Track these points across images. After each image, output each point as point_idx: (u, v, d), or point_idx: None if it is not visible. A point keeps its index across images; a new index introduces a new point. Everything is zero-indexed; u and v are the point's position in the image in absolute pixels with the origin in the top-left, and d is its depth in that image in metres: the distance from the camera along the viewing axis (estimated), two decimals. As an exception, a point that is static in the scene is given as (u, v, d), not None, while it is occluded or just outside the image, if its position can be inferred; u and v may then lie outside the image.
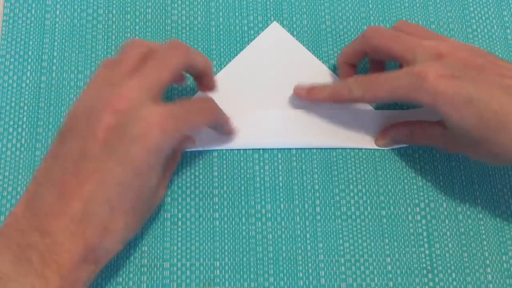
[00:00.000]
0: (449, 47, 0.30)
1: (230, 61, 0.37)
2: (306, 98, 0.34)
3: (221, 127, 0.33)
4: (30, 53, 0.36)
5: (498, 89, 0.27)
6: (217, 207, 0.34)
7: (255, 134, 0.35)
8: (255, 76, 0.36)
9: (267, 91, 0.36)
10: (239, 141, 0.35)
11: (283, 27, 0.38)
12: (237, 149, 0.35)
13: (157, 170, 0.27)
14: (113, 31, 0.37)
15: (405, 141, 0.35)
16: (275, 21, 0.37)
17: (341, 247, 0.33)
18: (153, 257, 0.33)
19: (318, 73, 0.37)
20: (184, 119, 0.28)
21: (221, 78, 0.36)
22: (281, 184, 0.34)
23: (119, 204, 0.26)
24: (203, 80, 0.32)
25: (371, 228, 0.34)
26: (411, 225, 0.34)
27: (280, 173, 0.35)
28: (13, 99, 0.35)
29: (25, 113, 0.35)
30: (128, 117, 0.26)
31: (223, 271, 0.33)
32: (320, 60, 0.37)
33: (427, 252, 0.34)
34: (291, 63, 0.37)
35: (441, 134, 0.31)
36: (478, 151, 0.29)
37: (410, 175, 0.35)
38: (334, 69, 0.37)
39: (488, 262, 0.34)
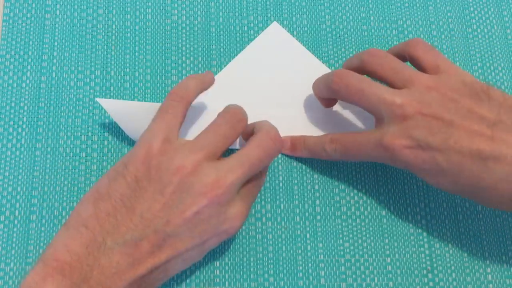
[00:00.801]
0: (414, 102, 0.28)
1: (230, 61, 0.37)
2: (290, 152, 0.35)
3: None
4: (30, 53, 0.36)
5: (468, 157, 0.26)
6: (217, 207, 0.34)
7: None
8: (255, 76, 0.36)
9: (267, 91, 0.36)
10: (240, 142, 0.35)
11: (283, 27, 0.38)
12: (237, 150, 0.35)
13: (221, 215, 0.28)
14: (113, 31, 0.37)
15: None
16: (275, 21, 0.37)
17: (341, 247, 0.33)
18: (153, 257, 0.33)
19: (318, 73, 0.36)
20: (242, 175, 0.28)
21: (221, 78, 0.36)
22: (281, 184, 0.34)
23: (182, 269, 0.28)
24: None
25: (371, 228, 0.34)
26: (411, 225, 0.34)
27: (280, 173, 0.35)
28: (13, 99, 0.35)
29: (25, 113, 0.35)
30: (220, 211, 0.27)
31: (223, 271, 0.33)
32: (320, 60, 0.37)
33: (427, 252, 0.34)
34: (291, 63, 0.37)
35: None
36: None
37: (410, 175, 0.35)
38: (334, 69, 0.37)
39: (488, 262, 0.34)
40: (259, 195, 0.34)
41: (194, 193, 0.26)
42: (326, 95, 0.33)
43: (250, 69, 0.36)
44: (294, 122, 0.35)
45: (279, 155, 0.35)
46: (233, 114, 0.30)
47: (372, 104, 0.29)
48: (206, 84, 0.32)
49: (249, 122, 0.34)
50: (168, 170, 0.26)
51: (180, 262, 0.27)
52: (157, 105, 0.34)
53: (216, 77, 0.36)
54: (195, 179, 0.26)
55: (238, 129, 0.30)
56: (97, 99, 0.34)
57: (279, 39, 0.37)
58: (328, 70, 0.37)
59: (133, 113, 0.33)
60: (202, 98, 0.34)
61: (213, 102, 0.35)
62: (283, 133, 0.35)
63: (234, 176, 0.27)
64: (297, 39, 0.37)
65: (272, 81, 0.36)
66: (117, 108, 0.33)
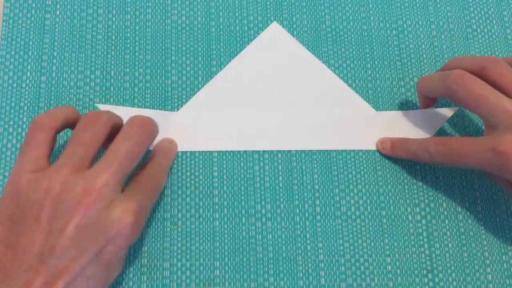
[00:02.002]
0: None
1: (230, 61, 0.37)
2: (391, 153, 0.35)
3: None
4: (30, 53, 0.36)
5: None
6: (217, 207, 0.34)
7: (255, 135, 0.35)
8: (254, 76, 0.36)
9: (267, 91, 0.36)
10: (240, 143, 0.35)
11: (283, 27, 0.38)
12: (237, 150, 0.35)
13: (124, 258, 0.28)
14: (113, 31, 0.37)
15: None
16: (275, 21, 0.37)
17: (341, 247, 0.33)
18: (153, 257, 0.33)
19: (318, 74, 0.37)
20: (149, 205, 0.29)
21: (221, 78, 0.36)
22: (281, 184, 0.34)
23: None
24: None
25: (371, 228, 0.34)
26: (411, 225, 0.34)
27: (280, 173, 0.35)
28: (13, 99, 0.35)
29: (25, 113, 0.35)
30: (104, 216, 0.26)
31: (223, 271, 0.33)
32: (320, 60, 0.37)
33: (427, 252, 0.34)
34: (291, 63, 0.37)
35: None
36: None
37: (410, 175, 0.35)
38: (334, 69, 0.37)
39: (488, 262, 0.34)
40: (259, 195, 0.34)
41: (68, 209, 0.25)
42: (437, 93, 0.32)
43: (250, 69, 0.36)
44: (294, 122, 0.35)
45: (279, 155, 0.35)
46: (89, 118, 0.29)
47: (491, 111, 0.29)
48: (76, 116, 0.30)
49: (249, 122, 0.34)
50: (37, 197, 0.25)
51: (86, 281, 0.26)
52: (156, 112, 0.34)
53: (216, 77, 0.36)
54: (65, 195, 0.25)
55: (100, 130, 0.28)
56: (97, 105, 0.34)
57: (279, 39, 0.37)
58: (328, 71, 0.37)
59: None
60: (201, 100, 0.34)
61: (213, 102, 0.35)
62: (283, 133, 0.35)
63: (104, 178, 0.26)
64: (297, 39, 0.37)
65: (272, 81, 0.36)
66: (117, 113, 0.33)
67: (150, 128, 0.29)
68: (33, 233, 0.25)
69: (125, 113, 0.34)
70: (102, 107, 0.34)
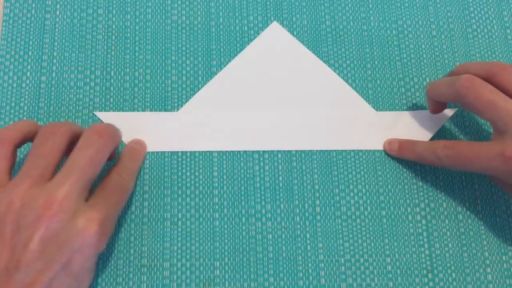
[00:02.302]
0: None
1: (230, 61, 0.37)
2: (398, 155, 0.35)
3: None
4: (30, 53, 0.36)
5: None
6: (217, 207, 0.34)
7: (255, 135, 0.35)
8: (255, 76, 0.36)
9: (267, 91, 0.36)
10: (240, 143, 0.35)
11: (283, 27, 0.38)
12: (238, 150, 0.35)
13: (94, 266, 0.28)
14: (113, 31, 0.37)
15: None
16: (275, 21, 0.37)
17: (341, 247, 0.33)
18: (153, 257, 0.33)
19: (318, 73, 0.37)
20: (116, 211, 0.29)
21: (221, 78, 0.36)
22: (281, 184, 0.34)
23: None
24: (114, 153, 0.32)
25: (371, 228, 0.34)
26: (411, 225, 0.34)
27: (280, 173, 0.35)
28: (13, 99, 0.35)
29: (25, 113, 0.35)
30: (67, 228, 0.25)
31: (223, 271, 0.33)
32: (320, 60, 0.37)
33: (427, 252, 0.34)
34: (291, 63, 0.37)
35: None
36: None
37: (410, 175, 0.35)
38: (334, 69, 0.37)
39: (488, 262, 0.34)
40: (259, 195, 0.34)
41: (30, 223, 0.25)
42: (447, 98, 0.32)
43: (250, 69, 0.36)
44: (294, 122, 0.35)
45: (279, 155, 0.35)
46: (48, 130, 0.28)
47: (500, 116, 0.29)
48: (37, 129, 0.29)
49: (249, 122, 0.34)
50: None
51: None
52: (153, 114, 0.34)
53: (216, 77, 0.36)
54: (26, 209, 0.25)
55: (59, 141, 0.28)
56: (96, 113, 0.34)
57: (279, 39, 0.37)
58: (328, 70, 0.37)
59: (130, 123, 0.34)
60: (201, 100, 0.34)
61: (213, 102, 0.35)
62: (283, 133, 0.35)
63: (65, 189, 0.26)
64: (297, 39, 0.37)
65: (272, 81, 0.36)
66: (115, 120, 0.34)
67: (111, 134, 0.29)
68: None
69: (125, 118, 0.34)
70: (101, 115, 0.34)
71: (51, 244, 0.25)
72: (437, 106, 0.34)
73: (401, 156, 0.35)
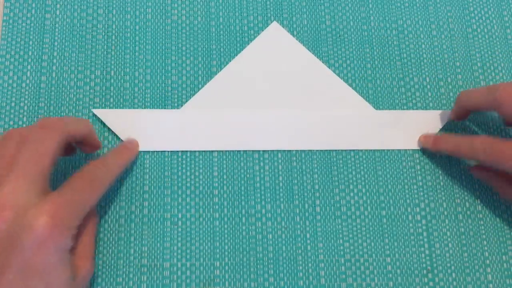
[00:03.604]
0: None
1: (230, 61, 0.37)
2: (432, 147, 0.34)
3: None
4: (30, 53, 0.36)
5: None
6: (217, 207, 0.34)
7: (255, 135, 0.35)
8: (255, 76, 0.36)
9: (267, 91, 0.36)
10: (240, 142, 0.35)
11: (283, 27, 0.38)
12: (238, 150, 0.35)
13: (64, 261, 0.26)
14: (113, 31, 0.37)
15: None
16: (275, 21, 0.37)
17: (341, 247, 0.33)
18: (153, 257, 0.33)
19: (318, 74, 0.37)
20: (78, 203, 0.26)
21: (221, 77, 0.36)
22: (281, 184, 0.34)
23: None
24: (88, 142, 0.31)
25: (371, 228, 0.34)
26: (411, 225, 0.34)
27: (280, 173, 0.35)
28: (13, 99, 0.35)
29: (25, 113, 0.35)
30: (16, 226, 0.24)
31: (223, 271, 0.33)
32: (320, 60, 0.37)
33: (427, 252, 0.34)
34: (291, 64, 0.37)
35: None
36: None
37: (410, 175, 0.35)
38: (334, 69, 0.37)
39: (488, 262, 0.34)
40: (259, 195, 0.34)
41: None
42: (482, 107, 0.32)
43: (250, 69, 0.36)
44: (294, 122, 0.35)
45: (279, 155, 0.35)
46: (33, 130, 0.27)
47: None
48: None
49: (249, 122, 0.34)
50: None
51: None
52: (152, 111, 0.34)
53: (216, 77, 0.36)
54: None
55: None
56: (94, 110, 0.34)
57: (279, 39, 0.37)
58: (328, 71, 0.37)
59: (129, 121, 0.34)
60: (201, 99, 0.34)
61: (213, 102, 0.35)
62: (283, 133, 0.35)
63: (7, 187, 0.24)
64: (297, 39, 0.37)
65: (272, 81, 0.36)
66: (114, 118, 0.34)
67: (52, 125, 0.27)
68: None
69: (124, 116, 0.34)
70: (99, 112, 0.34)
71: (4, 246, 0.24)
72: (465, 114, 0.34)
73: (436, 148, 0.34)
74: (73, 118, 0.29)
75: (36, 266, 0.24)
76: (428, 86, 0.37)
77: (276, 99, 0.36)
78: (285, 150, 0.35)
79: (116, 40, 0.36)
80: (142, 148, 0.34)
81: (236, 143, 0.35)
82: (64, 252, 0.25)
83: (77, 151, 0.33)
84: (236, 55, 0.37)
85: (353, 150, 0.35)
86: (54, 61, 0.36)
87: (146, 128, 0.34)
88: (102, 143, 0.34)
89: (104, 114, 0.34)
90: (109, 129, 0.34)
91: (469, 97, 0.33)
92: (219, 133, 0.35)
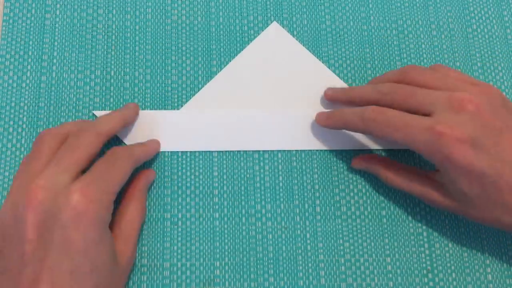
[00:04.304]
0: (473, 98, 0.28)
1: (230, 61, 0.37)
2: (325, 123, 0.34)
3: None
4: (30, 53, 0.36)
5: (509, 166, 0.27)
6: (217, 207, 0.34)
7: (255, 135, 0.35)
8: (255, 77, 0.36)
9: (267, 91, 0.36)
10: (240, 142, 0.35)
11: (283, 27, 0.38)
12: (238, 150, 0.35)
13: (104, 239, 0.27)
14: (113, 31, 0.37)
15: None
16: (275, 21, 0.37)
17: (341, 247, 0.33)
18: (153, 257, 0.33)
19: (318, 74, 0.37)
20: (105, 179, 0.28)
21: (221, 78, 0.36)
22: (281, 184, 0.34)
23: None
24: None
25: (371, 228, 0.34)
26: (411, 225, 0.34)
27: (280, 173, 0.35)
28: (13, 99, 0.35)
29: (25, 113, 0.35)
30: (52, 207, 0.25)
31: (223, 271, 0.33)
32: (320, 60, 0.37)
33: (427, 252, 0.34)
34: (291, 64, 0.37)
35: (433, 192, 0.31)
36: (471, 213, 0.29)
37: (410, 175, 0.35)
38: (334, 69, 0.37)
39: (488, 262, 0.34)
40: (259, 195, 0.34)
41: (22, 213, 0.26)
42: (352, 127, 0.32)
43: (250, 69, 0.36)
44: (295, 122, 0.35)
45: (279, 155, 0.35)
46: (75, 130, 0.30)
47: (427, 100, 0.29)
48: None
49: (248, 122, 0.34)
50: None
51: (69, 276, 0.25)
52: (151, 113, 0.34)
53: (216, 77, 0.36)
54: (17, 203, 0.27)
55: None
56: (94, 112, 0.34)
57: (279, 39, 0.37)
58: (328, 71, 0.37)
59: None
60: (202, 99, 0.34)
61: (214, 102, 0.35)
62: (283, 133, 0.35)
63: (45, 173, 0.27)
64: (297, 39, 0.37)
65: (272, 81, 0.36)
66: None
67: (80, 126, 0.30)
68: (8, 251, 0.26)
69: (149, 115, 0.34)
70: (100, 114, 0.34)
71: (44, 228, 0.25)
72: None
73: (329, 124, 0.33)
74: (106, 116, 0.32)
75: (78, 243, 0.25)
76: (428, 86, 0.37)
77: (276, 99, 0.36)
78: (285, 150, 0.35)
79: (116, 40, 0.36)
80: None
81: (236, 143, 0.35)
82: (102, 228, 0.27)
83: None
84: (236, 55, 0.37)
85: (353, 150, 0.35)
86: (54, 61, 0.36)
87: (146, 129, 0.34)
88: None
89: (104, 115, 0.34)
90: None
91: (340, 119, 0.32)
92: (219, 132, 0.35)
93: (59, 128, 0.30)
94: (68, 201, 0.25)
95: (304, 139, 0.35)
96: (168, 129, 0.34)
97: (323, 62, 0.37)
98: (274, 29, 0.37)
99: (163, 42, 0.37)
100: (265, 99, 0.36)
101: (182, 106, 0.35)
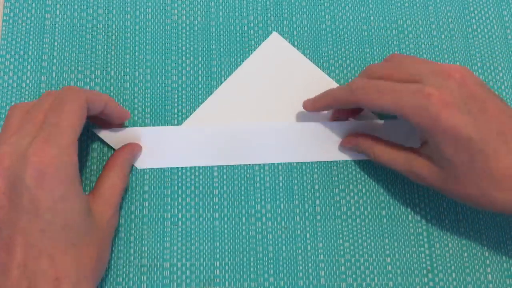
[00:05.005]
0: (459, 69, 0.29)
1: (230, 61, 0.37)
2: (313, 108, 0.34)
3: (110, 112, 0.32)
4: (30, 53, 0.36)
5: (495, 134, 0.27)
6: (217, 207, 0.34)
7: (256, 148, 0.34)
8: (257, 88, 0.36)
9: (269, 102, 0.36)
10: (241, 156, 0.34)
11: (283, 27, 0.38)
12: (240, 164, 0.35)
13: (73, 195, 0.27)
14: (113, 31, 0.37)
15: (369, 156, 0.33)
16: (274, 32, 0.37)
17: (341, 247, 0.33)
18: (153, 257, 0.33)
19: (320, 83, 0.36)
20: (59, 132, 0.27)
21: (223, 90, 0.36)
22: (281, 184, 0.34)
23: (54, 248, 0.26)
24: (111, 110, 0.31)
25: (371, 228, 0.34)
26: (411, 225, 0.34)
27: (280, 173, 0.35)
28: (13, 99, 0.35)
29: (25, 113, 0.34)
30: (17, 171, 0.25)
31: (223, 271, 0.33)
32: (320, 60, 0.37)
33: (427, 252, 0.34)
34: (292, 73, 0.36)
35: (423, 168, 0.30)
36: (457, 189, 0.29)
37: (410, 175, 0.35)
38: (334, 69, 0.37)
39: (488, 262, 0.34)
40: (259, 195, 0.34)
41: None
42: (341, 101, 0.32)
43: (252, 81, 0.36)
44: (297, 132, 0.35)
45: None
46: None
47: (415, 71, 0.29)
48: None
49: (250, 135, 0.34)
50: None
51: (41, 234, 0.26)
52: (156, 128, 0.34)
53: (217, 90, 0.36)
54: None
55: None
56: (94, 130, 0.33)
57: (279, 49, 0.37)
58: (329, 79, 0.36)
59: (129, 139, 0.34)
60: (203, 114, 0.34)
61: (214, 117, 0.35)
62: (286, 142, 0.35)
63: (7, 142, 0.27)
64: (297, 39, 0.37)
65: (274, 92, 0.36)
66: (113, 136, 0.33)
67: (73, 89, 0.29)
68: None
69: (124, 134, 0.34)
70: (99, 132, 0.34)
71: (13, 193, 0.25)
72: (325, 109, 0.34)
73: (318, 107, 0.33)
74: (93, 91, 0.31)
75: (44, 201, 0.25)
76: (428, 86, 0.37)
77: (278, 110, 0.35)
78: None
79: (116, 40, 0.36)
80: (143, 166, 0.34)
81: (238, 157, 0.34)
82: (69, 183, 0.26)
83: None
84: (236, 55, 0.37)
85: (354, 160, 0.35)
86: (54, 61, 0.36)
87: (147, 146, 0.34)
88: (103, 159, 0.34)
89: (104, 133, 0.33)
90: (109, 146, 0.34)
91: (329, 94, 0.33)
92: (220, 147, 0.34)
93: (29, 102, 0.30)
94: (28, 163, 0.25)
95: (307, 151, 0.34)
96: (170, 145, 0.34)
97: (323, 62, 0.37)
98: (274, 39, 0.37)
99: (163, 42, 0.37)
100: (267, 110, 0.35)
101: (182, 106, 0.35)
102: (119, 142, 0.33)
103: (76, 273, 0.26)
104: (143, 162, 0.34)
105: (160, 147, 0.34)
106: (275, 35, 0.37)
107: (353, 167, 0.35)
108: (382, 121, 0.35)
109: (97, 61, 0.36)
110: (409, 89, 0.28)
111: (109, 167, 0.32)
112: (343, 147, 0.35)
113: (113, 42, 0.36)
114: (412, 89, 0.28)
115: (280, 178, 0.35)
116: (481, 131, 0.27)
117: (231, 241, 0.33)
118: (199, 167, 0.34)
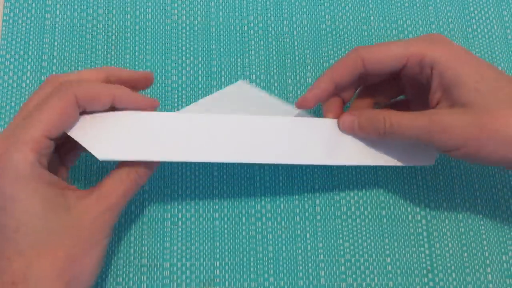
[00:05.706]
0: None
1: (230, 61, 0.36)
2: (313, 97, 0.31)
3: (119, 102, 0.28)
4: (30, 53, 0.36)
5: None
6: (217, 207, 0.34)
7: (257, 146, 0.31)
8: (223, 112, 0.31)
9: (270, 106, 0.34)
10: (241, 153, 0.31)
11: (283, 27, 0.38)
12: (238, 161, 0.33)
13: (31, 195, 0.24)
14: (113, 31, 0.37)
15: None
16: (241, 80, 0.36)
17: (341, 247, 0.33)
18: (153, 257, 0.33)
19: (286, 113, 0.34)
20: (29, 126, 0.25)
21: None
22: (281, 184, 0.34)
23: (10, 250, 0.24)
24: (128, 107, 0.28)
25: (371, 228, 0.34)
26: (411, 225, 0.34)
27: (280, 173, 0.35)
28: (13, 99, 0.35)
29: (25, 113, 0.34)
30: None
31: (223, 271, 0.33)
32: (320, 60, 0.37)
33: (427, 252, 0.34)
34: (260, 107, 0.33)
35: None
36: (484, 124, 0.26)
37: (410, 175, 0.35)
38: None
39: (488, 262, 0.34)
40: (259, 195, 0.34)
41: None
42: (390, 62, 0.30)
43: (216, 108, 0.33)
44: (299, 132, 0.31)
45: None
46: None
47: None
48: None
49: (250, 131, 0.34)
50: None
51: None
52: (143, 114, 0.29)
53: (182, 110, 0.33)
54: None
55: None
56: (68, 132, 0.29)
57: (246, 90, 0.34)
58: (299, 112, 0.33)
59: (123, 126, 0.28)
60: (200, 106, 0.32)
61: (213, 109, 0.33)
62: (284, 146, 0.32)
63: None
64: (297, 39, 0.37)
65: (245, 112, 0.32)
66: (105, 120, 0.28)
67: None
68: None
69: (117, 119, 0.28)
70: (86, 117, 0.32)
71: None
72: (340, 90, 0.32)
73: (318, 92, 0.31)
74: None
75: (6, 193, 0.24)
76: (428, 86, 0.37)
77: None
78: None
79: (116, 40, 0.36)
80: (138, 158, 0.28)
81: (238, 154, 0.31)
82: (22, 182, 0.24)
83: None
84: (236, 55, 0.37)
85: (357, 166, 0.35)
86: (54, 61, 0.36)
87: (137, 135, 0.29)
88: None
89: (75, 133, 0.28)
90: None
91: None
92: (218, 141, 0.29)
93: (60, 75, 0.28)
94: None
95: (307, 152, 0.30)
96: (164, 135, 0.29)
97: (323, 62, 0.37)
98: (241, 84, 0.34)
99: (163, 42, 0.37)
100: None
101: (182, 106, 0.35)
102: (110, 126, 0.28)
103: (36, 276, 0.24)
104: (123, 151, 0.28)
105: (152, 137, 0.29)
106: (241, 82, 0.35)
107: (353, 167, 0.35)
108: None
109: (97, 61, 0.36)
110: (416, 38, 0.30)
111: (120, 164, 0.28)
112: (342, 129, 0.31)
113: (113, 42, 0.36)
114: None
115: (280, 178, 0.35)
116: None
117: (231, 241, 0.33)
118: (198, 167, 0.34)
